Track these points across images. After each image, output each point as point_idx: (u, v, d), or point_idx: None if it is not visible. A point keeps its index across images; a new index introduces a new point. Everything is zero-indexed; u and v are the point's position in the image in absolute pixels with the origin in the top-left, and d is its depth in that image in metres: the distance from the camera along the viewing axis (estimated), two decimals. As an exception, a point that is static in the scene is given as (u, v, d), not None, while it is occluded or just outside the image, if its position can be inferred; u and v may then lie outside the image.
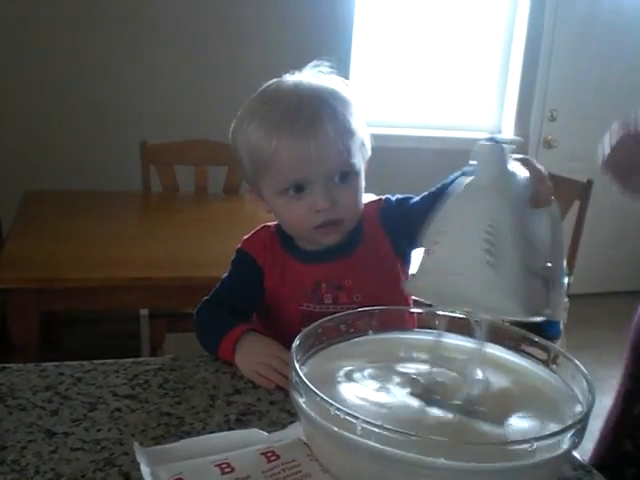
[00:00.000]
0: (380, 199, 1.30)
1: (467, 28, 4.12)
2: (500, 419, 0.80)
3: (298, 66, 1.23)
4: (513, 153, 0.89)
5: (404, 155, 3.76)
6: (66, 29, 3.30)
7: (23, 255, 2.04)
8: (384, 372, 0.90)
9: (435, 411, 0.81)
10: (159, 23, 3.42)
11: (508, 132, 4.23)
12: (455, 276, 0.79)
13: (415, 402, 0.82)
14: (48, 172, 3.25)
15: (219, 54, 3.51)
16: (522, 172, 0.88)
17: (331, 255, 1.26)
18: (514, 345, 0.95)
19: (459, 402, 0.83)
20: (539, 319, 0.84)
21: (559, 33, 4.12)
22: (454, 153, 3.82)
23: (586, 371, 0.85)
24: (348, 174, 1.19)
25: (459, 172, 0.96)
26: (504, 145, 0.85)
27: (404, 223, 1.23)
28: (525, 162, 0.91)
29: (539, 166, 0.93)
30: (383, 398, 0.83)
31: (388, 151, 3.34)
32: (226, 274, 1.32)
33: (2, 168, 2.88)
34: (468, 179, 0.85)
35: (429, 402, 0.83)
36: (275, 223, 1.31)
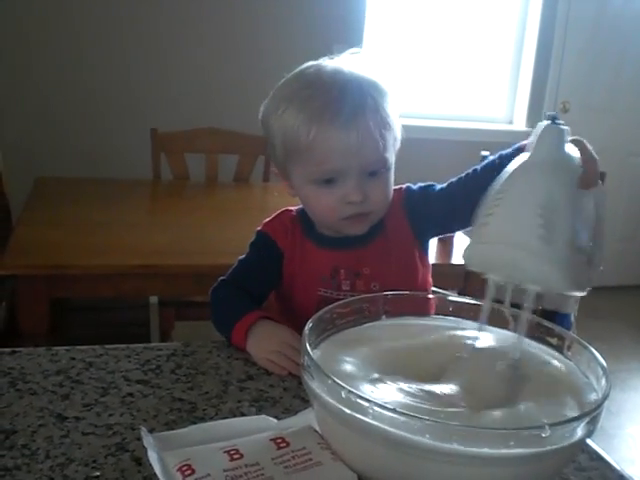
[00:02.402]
0: (401, 188, 1.28)
1: (480, 20, 4.09)
2: (515, 405, 0.80)
3: (310, 57, 1.21)
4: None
5: (414, 145, 3.73)
6: (77, 17, 3.30)
7: (33, 242, 2.03)
8: (398, 357, 0.89)
9: (449, 395, 0.81)
10: (172, 10, 3.41)
11: (520, 123, 4.20)
12: (507, 247, 0.82)
13: (430, 388, 0.82)
14: (59, 160, 3.25)
15: (232, 43, 3.49)
16: (575, 153, 0.89)
17: (351, 242, 1.25)
18: (529, 332, 0.94)
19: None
20: (581, 293, 0.87)
21: (572, 25, 4.09)
22: (465, 144, 3.83)
23: (602, 359, 0.85)
24: (380, 168, 1.18)
25: (494, 157, 0.96)
26: (563, 126, 0.87)
27: (426, 211, 1.24)
28: (578, 144, 0.92)
29: (591, 149, 0.94)
30: (396, 384, 0.82)
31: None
32: (244, 256, 1.31)
33: (13, 155, 2.87)
34: (525, 156, 0.88)
35: (443, 388, 0.82)
36: (297, 207, 1.30)
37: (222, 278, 1.29)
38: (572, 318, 2.61)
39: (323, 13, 3.54)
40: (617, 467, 0.92)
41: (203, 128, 2.97)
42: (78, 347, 1.13)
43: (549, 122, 0.87)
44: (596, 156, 0.94)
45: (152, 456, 0.79)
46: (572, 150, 0.88)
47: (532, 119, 4.18)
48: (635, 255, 4.66)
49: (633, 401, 3.34)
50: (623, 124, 4.35)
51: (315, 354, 0.82)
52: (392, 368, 0.86)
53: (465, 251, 0.87)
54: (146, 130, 2.95)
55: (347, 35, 3.54)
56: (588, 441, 0.96)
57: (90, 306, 2.77)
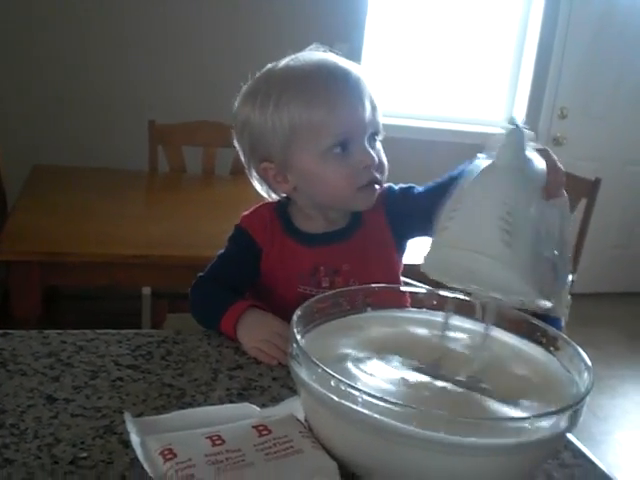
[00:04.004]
0: (382, 187, 1.28)
1: (480, 23, 4.10)
2: (501, 398, 0.80)
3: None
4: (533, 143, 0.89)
5: (412, 147, 3.75)
6: (77, 8, 3.30)
7: (27, 228, 2.04)
8: (386, 348, 0.89)
9: (437, 386, 0.81)
10: (172, 2, 3.41)
11: (517, 128, 4.20)
12: (469, 252, 0.79)
13: (416, 377, 0.83)
14: (56, 149, 3.25)
15: (230, 37, 3.49)
16: (539, 161, 0.88)
17: (330, 238, 1.26)
18: (514, 327, 0.96)
19: (462, 379, 0.83)
20: (545, 304, 0.83)
21: (573, 30, 4.10)
22: (463, 147, 3.82)
23: (584, 354, 0.85)
24: (376, 136, 1.22)
25: (467, 162, 0.96)
26: (524, 130, 0.85)
27: (406, 211, 1.25)
28: (543, 152, 0.91)
29: (556, 158, 0.93)
30: (384, 372, 0.83)
31: (396, 142, 3.33)
32: (222, 250, 1.31)
33: (11, 143, 2.87)
34: (486, 161, 0.86)
35: (432, 377, 0.83)
36: (275, 201, 1.30)
37: (200, 274, 1.29)
38: (562, 323, 2.61)
39: (325, 11, 3.55)
40: (600, 465, 0.93)
41: (201, 121, 2.98)
42: (69, 331, 1.14)
43: (512, 126, 0.86)
44: (561, 166, 0.93)
45: (134, 440, 0.80)
46: (536, 158, 0.87)
47: (530, 124, 4.19)
48: (628, 262, 4.67)
49: (622, 407, 3.35)
50: (620, 132, 4.37)
51: (303, 342, 0.83)
52: (380, 354, 0.87)
53: (424, 258, 0.85)
54: (144, 122, 2.95)
55: (348, 33, 3.55)
56: (572, 439, 0.97)
57: (83, 295, 2.78)
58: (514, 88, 4.24)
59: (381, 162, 1.21)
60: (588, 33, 4.13)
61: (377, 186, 1.22)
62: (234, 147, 1.30)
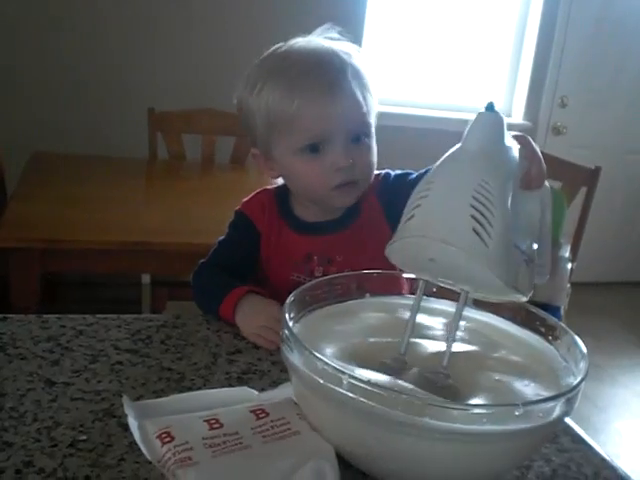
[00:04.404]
0: (379, 174, 1.28)
1: (481, 11, 4.08)
2: (493, 385, 0.80)
3: (310, 36, 1.22)
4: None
5: (411, 135, 3.74)
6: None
7: (26, 215, 2.04)
8: (377, 331, 0.89)
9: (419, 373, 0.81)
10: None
11: (517, 117, 4.20)
12: (437, 242, 0.75)
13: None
14: (55, 136, 3.23)
15: (230, 23, 3.48)
16: (515, 147, 0.83)
17: (326, 228, 1.26)
18: (511, 315, 0.95)
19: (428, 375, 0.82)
20: (520, 298, 0.81)
21: (574, 19, 4.08)
22: (462, 135, 3.83)
23: (582, 343, 0.84)
24: (364, 134, 1.18)
25: None
26: (499, 115, 0.82)
27: (399, 198, 1.23)
28: (522, 140, 0.86)
29: (535, 146, 0.88)
30: (371, 359, 0.82)
31: (395, 130, 3.33)
32: (223, 237, 1.31)
33: (10, 131, 2.87)
34: (457, 145, 0.81)
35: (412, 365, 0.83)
36: (275, 187, 1.30)
37: (202, 261, 1.29)
38: (562, 311, 2.62)
39: (324, 3, 3.53)
40: (599, 450, 0.93)
41: (200, 109, 2.97)
42: (69, 315, 1.14)
43: (484, 110, 0.82)
44: (540, 154, 0.88)
45: (132, 423, 0.80)
46: (512, 144, 0.83)
47: (530, 112, 4.18)
48: (628, 252, 4.67)
49: (621, 397, 3.36)
50: (621, 121, 4.36)
51: (296, 327, 0.82)
52: (372, 341, 0.87)
53: (387, 247, 0.81)
54: (143, 109, 2.95)
55: (347, 22, 3.53)
56: (571, 424, 0.97)
57: (82, 283, 2.78)
58: (514, 77, 4.22)
59: (362, 162, 1.18)
60: (589, 22, 4.11)
61: (356, 185, 1.19)
62: (234, 135, 1.30)
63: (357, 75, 1.16)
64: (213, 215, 2.16)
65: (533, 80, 4.15)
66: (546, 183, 0.89)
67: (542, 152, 0.90)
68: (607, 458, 0.92)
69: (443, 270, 0.79)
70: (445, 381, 0.80)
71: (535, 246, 0.82)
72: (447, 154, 0.80)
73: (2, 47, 3.22)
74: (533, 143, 0.88)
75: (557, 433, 0.94)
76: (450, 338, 0.82)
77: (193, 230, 2.09)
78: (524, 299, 0.81)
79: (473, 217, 0.73)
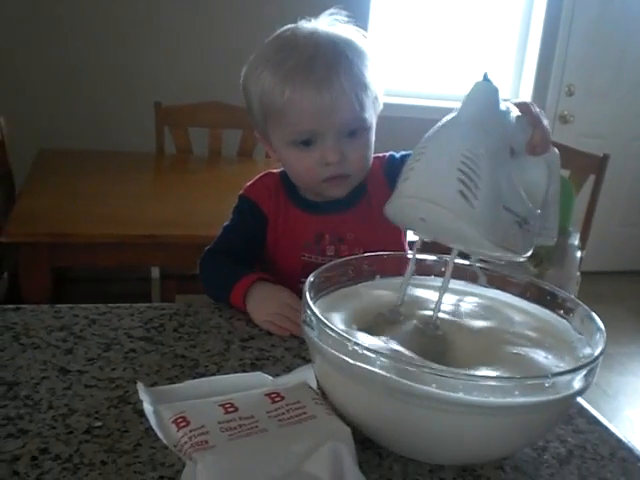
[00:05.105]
0: (384, 155, 1.29)
1: (487, 0, 4.06)
2: (514, 358, 0.80)
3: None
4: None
5: (416, 125, 3.72)
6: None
7: (35, 210, 2.04)
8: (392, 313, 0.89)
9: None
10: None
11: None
12: (427, 203, 0.79)
13: (424, 337, 0.83)
14: (63, 131, 3.25)
15: (236, 15, 3.47)
16: (514, 116, 0.86)
17: (335, 207, 1.26)
18: (522, 291, 0.96)
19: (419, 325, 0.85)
20: (514, 258, 0.83)
21: (579, 7, 4.06)
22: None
23: (596, 315, 0.85)
24: (359, 129, 1.17)
25: None
26: (493, 84, 0.84)
27: None
28: (523, 108, 0.88)
29: (538, 113, 0.90)
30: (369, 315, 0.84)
31: (400, 121, 3.32)
32: (228, 222, 1.30)
33: (18, 127, 2.87)
34: (453, 112, 0.84)
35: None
36: (280, 170, 1.30)
37: (208, 248, 1.29)
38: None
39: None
40: (615, 431, 0.93)
41: (207, 102, 2.97)
42: (81, 305, 1.14)
43: (479, 80, 0.84)
44: (545, 120, 0.90)
45: (148, 409, 0.80)
46: (509, 112, 0.85)
47: (537, 101, 4.14)
48: (637, 240, 4.65)
49: (632, 385, 3.35)
50: (628, 109, 4.34)
51: (316, 307, 0.82)
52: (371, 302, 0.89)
53: (386, 205, 0.86)
54: (150, 103, 2.95)
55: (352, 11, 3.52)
56: (586, 406, 0.97)
57: (91, 278, 2.78)
58: (520, 66, 4.21)
59: (355, 157, 1.18)
60: (594, 10, 4.09)
61: (348, 178, 1.20)
62: (240, 128, 1.30)
63: (351, 69, 1.14)
64: (221, 208, 2.15)
65: (540, 69, 4.14)
66: (555, 149, 0.91)
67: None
68: (623, 439, 0.92)
69: (435, 229, 0.83)
70: (434, 331, 0.84)
71: (538, 211, 0.85)
72: (442, 120, 0.84)
73: (7, 44, 3.22)
74: (536, 110, 0.90)
75: (572, 415, 0.94)
76: (442, 289, 0.86)
77: (201, 223, 2.08)
78: (520, 259, 0.83)
79: (460, 180, 0.77)
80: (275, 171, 1.31)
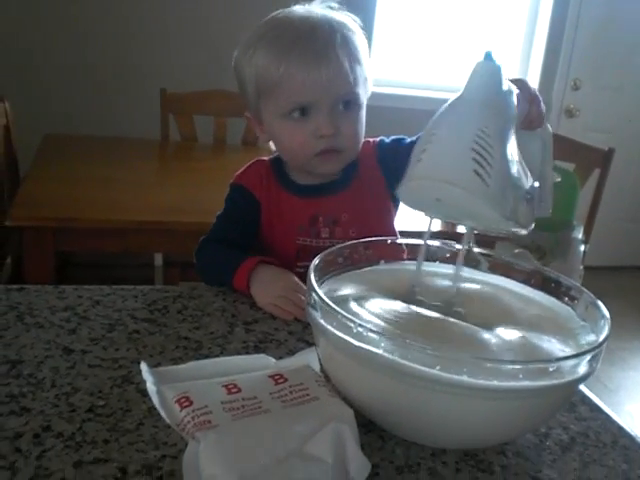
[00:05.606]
0: (375, 140, 1.31)
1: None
2: (519, 342, 0.80)
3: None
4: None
5: (421, 117, 3.72)
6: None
7: (40, 195, 2.04)
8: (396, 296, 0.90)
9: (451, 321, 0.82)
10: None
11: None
12: (442, 183, 0.80)
13: (433, 314, 0.83)
14: (68, 118, 3.24)
15: (245, 2, 3.46)
16: (515, 93, 0.87)
17: (327, 189, 1.27)
18: (525, 278, 0.97)
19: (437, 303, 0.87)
20: (521, 231, 0.85)
21: (586, 1, 4.05)
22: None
23: (600, 303, 0.86)
24: (352, 103, 1.19)
25: None
26: (496, 63, 0.85)
27: (398, 162, 1.23)
28: (519, 84, 0.90)
29: (533, 88, 0.94)
30: (396, 310, 0.84)
31: (404, 112, 3.31)
32: (221, 211, 1.31)
33: (23, 112, 2.87)
34: (459, 93, 0.86)
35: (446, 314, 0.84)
36: (270, 157, 1.30)
37: (203, 237, 1.29)
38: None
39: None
40: (616, 419, 0.93)
41: (212, 90, 2.97)
42: (85, 286, 1.14)
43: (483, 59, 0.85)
44: (539, 96, 0.93)
45: (151, 389, 0.80)
46: (510, 89, 0.87)
47: (542, 95, 4.11)
48: (640, 236, 4.64)
49: (633, 379, 3.35)
50: (634, 103, 4.33)
51: (321, 289, 0.82)
52: (392, 304, 0.87)
53: (398, 188, 0.87)
54: (155, 90, 2.94)
55: (358, 5, 3.51)
56: (588, 394, 0.97)
57: (94, 263, 2.78)
58: (527, 59, 4.20)
59: (348, 131, 1.19)
60: (601, 5, 4.08)
61: (340, 153, 1.20)
62: (245, 116, 1.30)
63: (347, 44, 1.16)
64: (224, 195, 2.16)
65: (546, 62, 4.13)
66: (548, 125, 0.95)
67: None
68: (625, 427, 0.92)
69: (448, 209, 0.84)
70: (451, 308, 0.87)
71: (537, 184, 0.86)
72: (448, 103, 0.85)
73: (11, 29, 3.22)
74: (531, 85, 0.93)
75: (575, 402, 0.94)
76: (457, 270, 0.90)
77: (205, 210, 2.06)
78: (524, 232, 0.85)
79: (474, 160, 0.78)
80: (265, 158, 1.32)
